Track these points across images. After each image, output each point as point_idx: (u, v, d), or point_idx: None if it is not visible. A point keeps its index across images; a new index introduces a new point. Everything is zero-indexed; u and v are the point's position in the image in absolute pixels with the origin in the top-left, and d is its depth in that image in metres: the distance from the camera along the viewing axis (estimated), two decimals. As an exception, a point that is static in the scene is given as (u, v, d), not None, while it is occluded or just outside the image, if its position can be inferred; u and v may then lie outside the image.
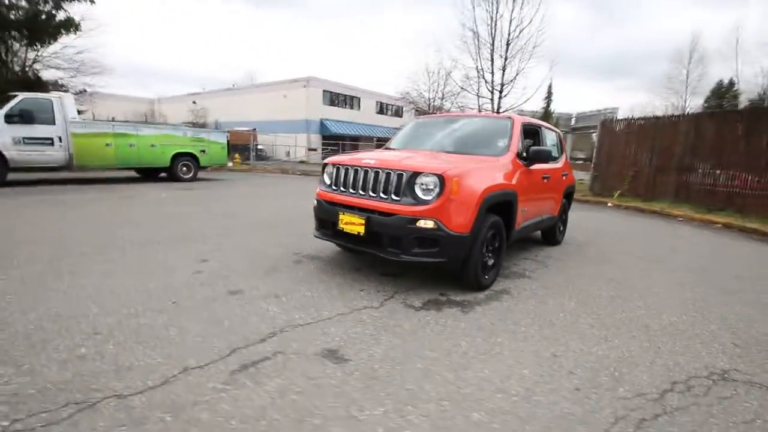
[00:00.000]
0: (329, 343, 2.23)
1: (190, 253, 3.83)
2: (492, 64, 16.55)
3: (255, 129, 25.03)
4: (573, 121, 41.17)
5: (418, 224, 2.81)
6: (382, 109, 36.13)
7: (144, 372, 1.83)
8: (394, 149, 4.13)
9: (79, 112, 9.85)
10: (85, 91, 16.84)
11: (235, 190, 9.77)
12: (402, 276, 3.45)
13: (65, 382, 1.73)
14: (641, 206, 9.78)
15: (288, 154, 26.17)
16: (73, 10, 13.84)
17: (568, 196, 5.35)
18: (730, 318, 2.99)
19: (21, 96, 8.04)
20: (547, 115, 34.23)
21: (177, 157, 10.70)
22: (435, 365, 2.06)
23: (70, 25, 13.48)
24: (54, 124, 8.23)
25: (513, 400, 1.80)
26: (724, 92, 24.40)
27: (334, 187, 3.34)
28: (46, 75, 15.02)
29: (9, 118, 7.74)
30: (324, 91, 30.80)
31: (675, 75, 26.94)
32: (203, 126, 24.62)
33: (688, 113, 13.36)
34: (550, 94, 35.46)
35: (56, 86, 14.93)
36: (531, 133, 4.20)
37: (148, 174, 11.25)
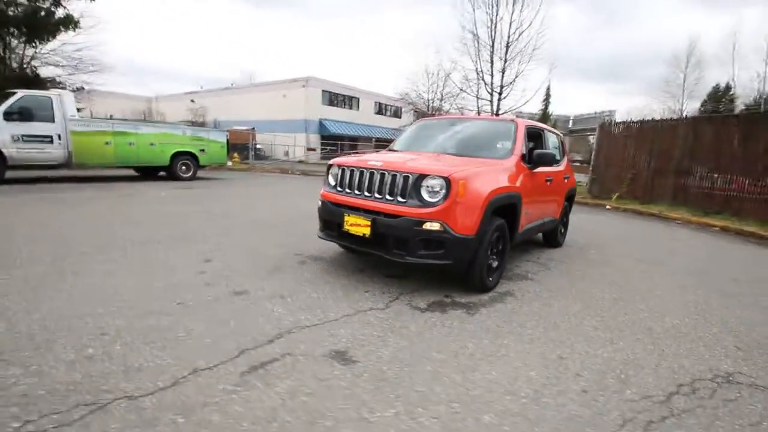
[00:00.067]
0: (337, 344, 2.23)
1: (192, 253, 3.82)
2: (492, 66, 16.61)
3: (254, 128, 24.99)
4: (570, 124, 41.37)
5: (424, 226, 2.81)
6: (380, 109, 36.16)
7: (154, 373, 1.82)
8: (397, 151, 4.14)
9: (78, 110, 9.77)
10: (83, 88, 16.73)
11: (235, 190, 9.75)
12: (406, 278, 3.46)
13: (74, 383, 1.72)
14: (639, 209, 9.84)
15: (287, 153, 26.12)
16: (72, 7, 13.80)
17: (570, 198, 5.38)
18: (730, 321, 3.02)
19: (20, 93, 7.99)
20: (545, 117, 34.36)
21: (176, 156, 10.66)
22: (443, 367, 2.07)
23: (69, 23, 13.41)
24: (53, 121, 8.18)
25: (522, 402, 1.81)
26: (720, 96, 24.62)
27: (339, 189, 3.35)
28: (44, 72, 14.94)
29: (8, 116, 7.69)
30: (323, 91, 30.79)
31: (672, 79, 27.16)
32: (202, 125, 24.53)
33: (686, 117, 13.46)
34: (548, 96, 35.59)
35: (54, 83, 14.84)
36: (534, 136, 4.22)
37: (147, 173, 11.20)
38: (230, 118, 29.83)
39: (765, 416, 1.83)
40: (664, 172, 10.52)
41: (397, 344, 2.29)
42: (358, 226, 3.08)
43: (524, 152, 3.76)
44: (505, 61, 16.28)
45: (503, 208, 3.27)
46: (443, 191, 2.84)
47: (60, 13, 13.43)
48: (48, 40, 13.93)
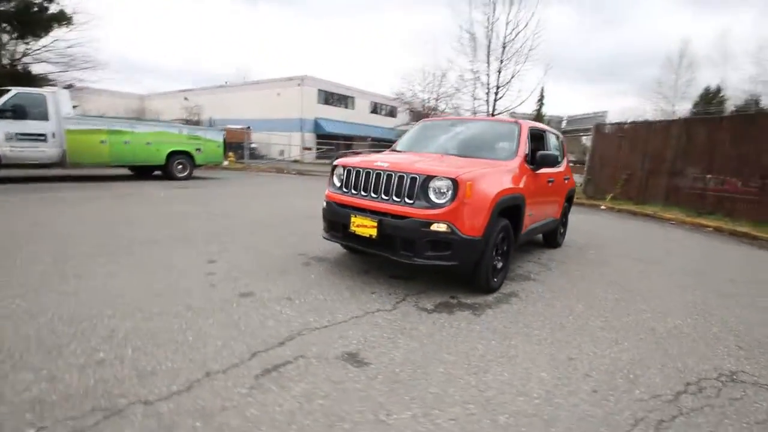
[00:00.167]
0: (348, 346, 2.24)
1: (195, 254, 3.80)
2: (488, 66, 16.69)
3: (249, 127, 24.81)
4: (564, 124, 41.69)
5: (431, 228, 2.83)
6: (375, 109, 36.10)
7: (168, 377, 1.81)
8: (401, 151, 4.15)
9: (74, 107, 9.64)
10: (72, 86, 16.49)
11: (232, 189, 9.68)
12: (411, 279, 3.47)
13: (88, 387, 1.71)
14: (634, 209, 9.97)
15: (281, 153, 25.99)
16: (65, 2, 13.58)
17: (569, 199, 5.43)
18: (730, 321, 3.08)
19: (14, 90, 7.85)
20: (539, 117, 34.57)
21: (172, 155, 10.56)
22: (455, 368, 2.09)
23: (62, 18, 13.20)
24: (47, 119, 8.06)
25: (535, 403, 1.83)
26: (711, 98, 25.00)
27: (344, 189, 3.35)
28: (36, 69, 14.69)
29: (1, 114, 7.56)
30: (319, 90, 30.66)
31: (665, 80, 27.51)
32: (197, 123, 24.31)
33: (679, 118, 13.66)
34: (542, 97, 35.81)
35: (44, 80, 14.60)
36: (536, 137, 4.26)
37: (142, 172, 11.08)
38: (225, 116, 29.58)
39: (771, 415, 1.87)
40: (657, 173, 10.67)
41: (407, 346, 2.30)
42: (364, 227, 3.08)
43: (527, 153, 3.79)
44: (502, 62, 16.36)
45: (508, 209, 3.30)
46: (450, 192, 2.86)
47: (53, 8, 13.22)
48: (40, 36, 13.71)
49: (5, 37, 13.33)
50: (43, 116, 8.02)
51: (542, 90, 34.61)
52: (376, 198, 3.10)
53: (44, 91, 8.43)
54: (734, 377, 2.21)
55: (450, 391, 1.88)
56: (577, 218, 7.89)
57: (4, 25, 12.69)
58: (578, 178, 13.14)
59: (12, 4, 12.67)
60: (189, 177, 11.03)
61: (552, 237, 5.12)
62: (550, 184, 4.30)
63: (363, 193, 3.19)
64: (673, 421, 1.77)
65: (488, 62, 16.65)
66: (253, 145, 22.96)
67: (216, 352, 2.07)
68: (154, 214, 5.74)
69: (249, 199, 8.20)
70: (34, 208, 5.66)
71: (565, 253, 5.00)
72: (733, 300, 3.62)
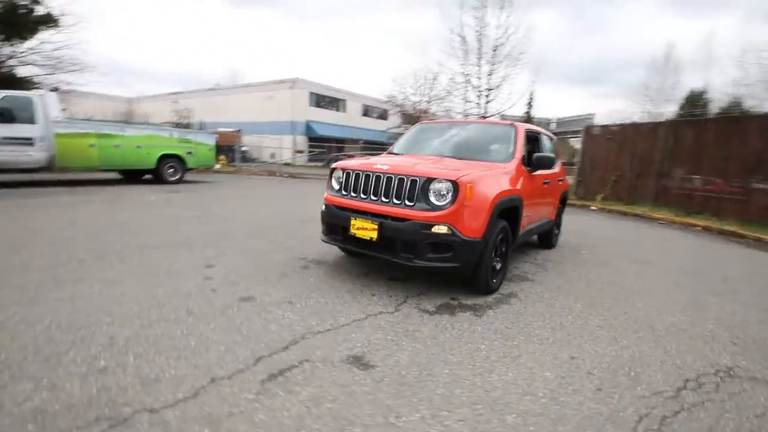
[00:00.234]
0: (352, 349, 2.23)
1: (192, 259, 3.75)
2: (479, 69, 16.86)
3: (240, 130, 24.63)
4: (553, 126, 42.26)
5: (432, 229, 2.84)
6: (367, 111, 36.15)
7: (172, 384, 1.79)
8: (398, 154, 4.16)
9: (63, 110, 9.45)
10: (57, 89, 16.18)
11: (224, 193, 9.60)
12: (410, 280, 3.48)
13: (91, 396, 1.67)
14: (624, 209, 10.14)
15: (273, 156, 25.84)
16: (53, 4, 13.33)
17: (564, 200, 5.51)
18: (724, 318, 3.15)
19: (1, 93, 7.67)
20: (528, 120, 34.97)
21: (163, 158, 10.42)
22: (460, 370, 2.10)
23: (49, 21, 12.96)
24: (35, 123, 7.89)
25: (541, 402, 1.85)
26: (696, 100, 25.56)
27: (344, 192, 3.34)
28: (22, 71, 14.38)
29: (-14, 117, 7.38)
30: (310, 92, 30.60)
31: (651, 83, 28.05)
32: (187, 126, 24.04)
33: (666, 120, 13.96)
34: (531, 99, 36.23)
35: (30, 83, 14.31)
36: (531, 139, 4.31)
37: (132, 176, 10.91)
38: (215, 119, 29.33)
39: (769, 409, 1.92)
40: (646, 174, 10.88)
41: (412, 348, 2.30)
42: (365, 229, 3.08)
43: (524, 155, 3.83)
44: (493, 64, 16.54)
45: (506, 211, 3.33)
46: (451, 195, 2.88)
47: (40, 10, 12.97)
48: (26, 39, 13.44)
49: (-9, 40, 13.07)
50: (31, 120, 7.85)
51: (531, 93, 35.09)
52: (377, 200, 3.11)
53: (32, 94, 8.26)
54: (731, 372, 2.26)
55: (457, 392, 1.88)
56: (569, 219, 7.98)
57: (-9, 26, 12.44)
58: (569, 180, 13.39)
59: (-1, 5, 12.44)
60: (180, 181, 10.90)
61: (547, 238, 5.17)
62: (545, 185, 4.35)
63: (363, 195, 3.19)
64: (676, 417, 1.81)
65: (479, 65, 16.82)
66: (244, 148, 22.78)
67: (220, 357, 2.05)
68: (147, 219, 5.66)
69: (243, 202, 8.13)
70: (24, 213, 5.53)
71: (560, 254, 5.06)
72: (726, 298, 3.70)
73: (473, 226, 2.93)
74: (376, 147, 27.57)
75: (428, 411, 1.73)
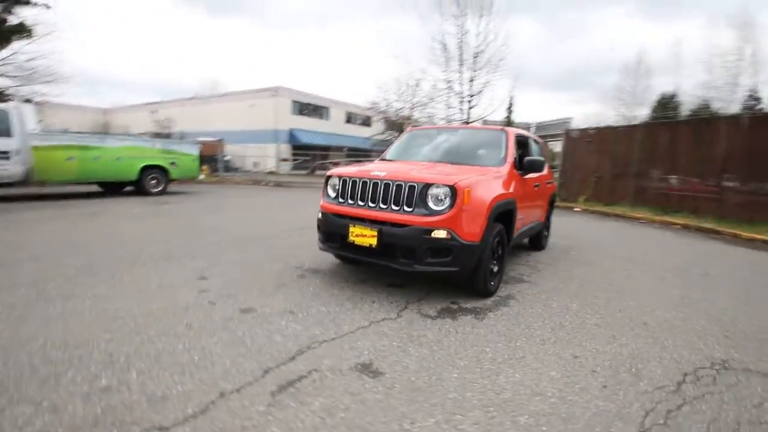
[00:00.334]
0: (360, 357, 2.22)
1: (184, 271, 3.67)
2: (461, 76, 17.16)
3: (222, 139, 24.28)
4: (533, 130, 43.34)
5: (432, 234, 2.87)
6: (350, 118, 36.21)
7: (180, 400, 1.74)
8: (391, 160, 4.19)
9: (39, 121, 9.13)
10: (29, 101, 15.65)
11: (210, 203, 9.42)
12: (408, 286, 3.49)
13: (96, 417, 1.61)
14: (605, 210, 10.44)
15: (256, 165, 25.53)
16: (25, 14, 12.91)
17: (552, 202, 5.63)
18: (713, 312, 3.27)
19: (-27, 106, 7.38)
20: (509, 124, 35.75)
21: (145, 169, 10.17)
22: (469, 373, 2.11)
23: (22, 31, 12.55)
24: (11, 136, 7.60)
25: (551, 402, 1.88)
26: (667, 103, 26.63)
27: (341, 200, 3.34)
28: (-7, 83, 13.86)
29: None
30: (293, 101, 30.47)
31: (623, 86, 29.13)
32: (168, 136, 23.56)
33: (642, 123, 14.49)
34: (511, 104, 37.06)
35: (1, 95, 13.79)
36: (521, 143, 4.41)
37: (113, 188, 10.59)
38: (196, 129, 28.84)
39: (765, 398, 2.00)
40: (624, 175, 11.24)
41: (418, 353, 2.30)
42: (363, 236, 3.08)
43: (515, 159, 3.92)
44: (474, 71, 16.86)
45: (502, 214, 3.39)
46: (449, 199, 2.91)
47: (12, 20, 12.54)
48: (-1, 49, 12.98)
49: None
50: (7, 132, 7.56)
51: (511, 98, 35.93)
52: (375, 207, 3.11)
53: (7, 106, 7.96)
54: (726, 365, 2.35)
55: (468, 396, 1.90)
56: (554, 220, 8.17)
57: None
58: (553, 182, 13.74)
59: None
60: (164, 192, 10.65)
61: (537, 240, 5.28)
62: (536, 188, 4.45)
63: (361, 202, 3.20)
64: (680, 410, 1.86)
65: (461, 72, 17.13)
66: (226, 158, 22.46)
67: (225, 371, 2.00)
68: (135, 231, 5.50)
69: (231, 212, 8.00)
70: (3, 229, 5.30)
71: (550, 255, 5.16)
72: (711, 293, 3.84)
73: (472, 230, 2.97)
74: (360, 154, 27.59)
75: (442, 416, 1.73)
